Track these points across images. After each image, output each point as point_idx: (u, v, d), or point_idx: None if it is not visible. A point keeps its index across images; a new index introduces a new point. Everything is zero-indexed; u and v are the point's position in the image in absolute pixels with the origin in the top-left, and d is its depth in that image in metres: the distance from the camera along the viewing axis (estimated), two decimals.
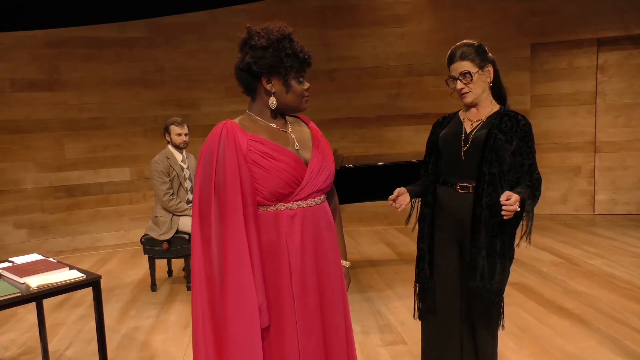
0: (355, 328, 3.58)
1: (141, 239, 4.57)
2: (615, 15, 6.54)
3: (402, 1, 7.01)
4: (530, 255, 5.19)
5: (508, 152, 2.15)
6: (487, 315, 2.24)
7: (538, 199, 2.18)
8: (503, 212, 1.98)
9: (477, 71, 2.20)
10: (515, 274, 4.62)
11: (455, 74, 2.23)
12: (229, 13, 6.66)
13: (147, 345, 3.50)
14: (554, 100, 7.02)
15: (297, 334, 1.64)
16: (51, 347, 3.48)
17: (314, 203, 1.71)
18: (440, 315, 2.33)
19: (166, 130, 4.56)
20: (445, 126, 2.36)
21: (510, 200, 1.96)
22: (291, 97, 1.69)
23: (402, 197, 2.27)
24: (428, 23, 6.99)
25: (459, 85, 2.22)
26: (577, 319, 3.56)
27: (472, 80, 2.20)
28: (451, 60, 2.24)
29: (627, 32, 6.59)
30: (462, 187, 2.23)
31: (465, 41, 2.26)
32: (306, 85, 1.71)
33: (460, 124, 2.31)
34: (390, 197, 2.26)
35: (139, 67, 6.58)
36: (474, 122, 2.27)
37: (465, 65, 2.20)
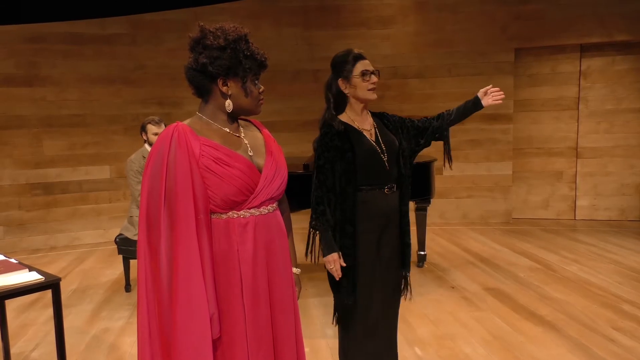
0: (327, 332, 3.55)
1: (115, 238, 4.51)
2: (598, 22, 6.57)
3: (387, 3, 6.97)
4: (508, 260, 5.19)
5: (404, 142, 2.37)
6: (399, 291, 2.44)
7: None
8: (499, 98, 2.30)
9: None
10: (492, 279, 4.61)
11: (370, 69, 2.29)
12: (212, 11, 6.59)
13: (116, 348, 3.44)
14: (537, 105, 7.04)
15: (248, 344, 1.60)
16: (17, 349, 3.42)
17: (266, 211, 1.66)
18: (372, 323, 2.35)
19: (143, 129, 4.49)
20: (347, 140, 2.28)
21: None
22: (248, 100, 1.64)
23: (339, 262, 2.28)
24: (413, 25, 6.97)
25: (374, 79, 2.29)
26: (549, 326, 3.56)
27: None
28: (362, 56, 2.32)
29: (610, 39, 6.62)
30: (389, 189, 2.32)
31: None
32: (261, 88, 1.67)
33: (362, 135, 2.31)
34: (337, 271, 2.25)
35: (120, 64, 6.50)
36: (369, 130, 2.35)
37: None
